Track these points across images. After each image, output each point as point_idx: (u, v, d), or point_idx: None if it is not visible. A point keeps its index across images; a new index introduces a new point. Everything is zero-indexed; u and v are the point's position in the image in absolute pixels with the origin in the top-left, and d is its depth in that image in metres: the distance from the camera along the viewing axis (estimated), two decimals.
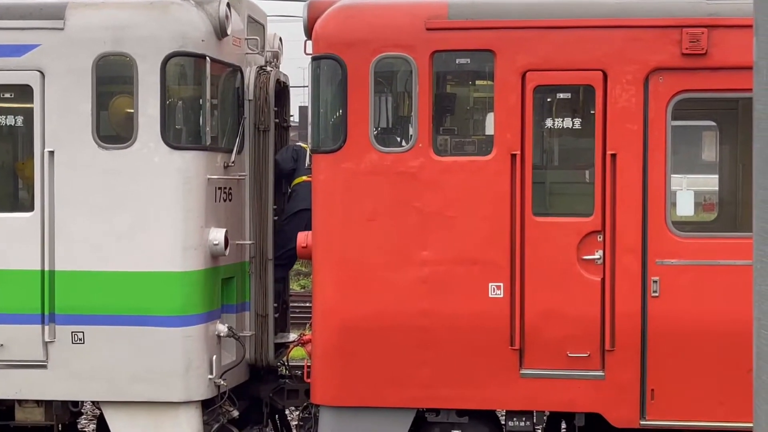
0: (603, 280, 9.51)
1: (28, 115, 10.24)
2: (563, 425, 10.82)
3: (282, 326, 11.91)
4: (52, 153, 10.11)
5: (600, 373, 9.54)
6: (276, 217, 11.32)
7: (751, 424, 3.72)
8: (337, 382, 9.86)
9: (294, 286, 22.36)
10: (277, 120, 11.34)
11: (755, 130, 3.48)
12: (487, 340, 9.59)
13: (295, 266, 13.75)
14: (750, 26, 3.65)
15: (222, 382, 10.31)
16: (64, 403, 10.46)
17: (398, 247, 9.67)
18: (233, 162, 10.65)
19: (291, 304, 12.75)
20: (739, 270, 9.17)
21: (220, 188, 10.47)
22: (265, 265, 11.05)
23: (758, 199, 3.47)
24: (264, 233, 11.02)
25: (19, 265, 10.15)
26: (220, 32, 10.32)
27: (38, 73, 10.12)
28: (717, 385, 9.38)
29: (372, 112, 9.70)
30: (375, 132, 9.76)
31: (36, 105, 10.15)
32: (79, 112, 10.06)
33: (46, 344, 10.12)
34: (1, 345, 10.15)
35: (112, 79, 10.31)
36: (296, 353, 11.78)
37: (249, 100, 11.01)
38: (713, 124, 12.73)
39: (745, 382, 8.97)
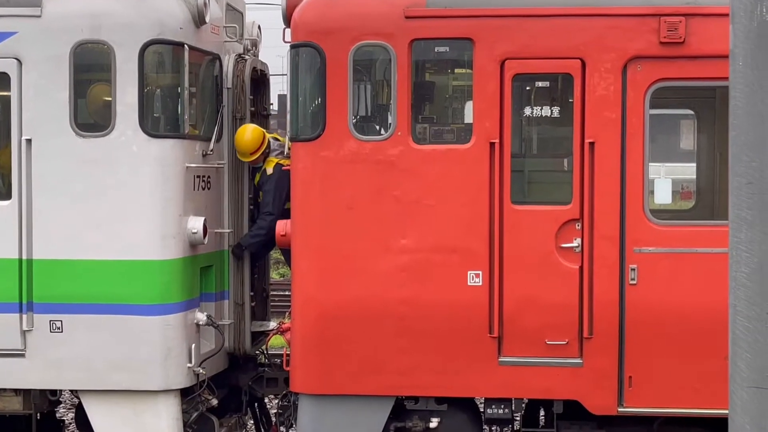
0: (581, 268, 9.54)
1: (5, 103, 10.18)
2: (542, 412, 10.86)
3: (262, 315, 11.90)
4: (29, 141, 10.05)
5: (578, 360, 9.58)
6: (251, 206, 11.29)
7: (727, 411, 3.74)
8: (316, 371, 9.86)
9: (273, 275, 22.36)
10: (253, 108, 11.31)
11: (731, 117, 3.50)
12: (466, 328, 9.61)
13: (273, 255, 13.70)
14: (727, 15, 3.67)
15: (201, 371, 10.29)
16: (43, 392, 10.45)
17: (377, 236, 9.68)
18: (212, 150, 10.61)
19: (270, 293, 12.72)
20: (717, 258, 9.22)
21: (198, 177, 10.44)
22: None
23: (734, 186, 3.50)
24: (241, 221, 11.01)
25: None
26: (199, 20, 10.28)
27: (15, 60, 10.06)
28: (694, 372, 9.43)
29: (351, 100, 9.69)
30: (354, 120, 9.75)
31: (13, 93, 10.09)
32: (57, 100, 10.01)
33: (24, 333, 10.08)
34: None
35: (90, 66, 10.27)
36: (275, 341, 11.78)
37: (228, 89, 10.98)
38: (691, 112, 12.78)
39: (722, 369, 9.01)
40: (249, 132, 10.85)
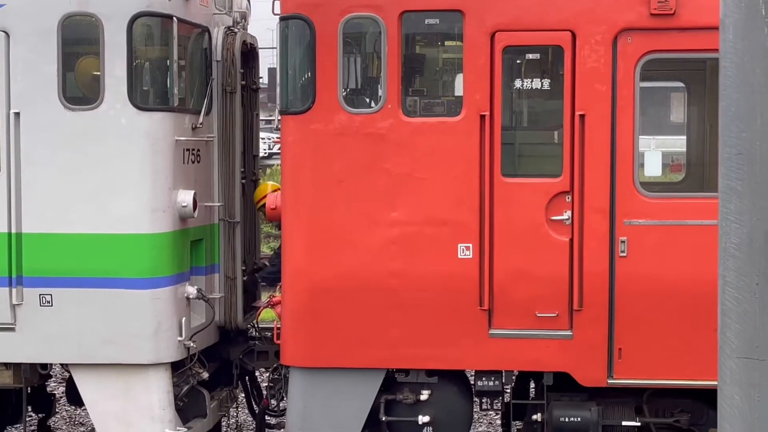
0: (571, 240, 9.55)
1: None
2: (532, 385, 10.90)
3: (252, 288, 11.88)
4: (18, 114, 10.01)
5: (568, 332, 9.60)
6: (243, 180, 11.26)
7: (717, 382, 3.75)
8: (306, 343, 9.88)
9: (264, 249, 22.35)
10: (243, 82, 11.26)
11: (721, 87, 3.49)
12: (457, 300, 9.63)
13: (264, 229, 13.69)
14: None
15: (191, 344, 10.29)
16: (33, 365, 10.44)
17: (367, 209, 9.67)
18: (201, 123, 10.58)
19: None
20: (707, 230, 9.23)
21: (188, 150, 10.41)
22: (232, 227, 11.02)
23: (724, 157, 3.49)
24: (232, 195, 10.98)
25: None
26: None
27: (3, 33, 10.00)
28: (684, 343, 9.46)
29: (341, 73, 9.65)
30: (344, 93, 9.73)
31: (1, 66, 10.02)
32: (45, 73, 9.96)
33: (14, 307, 10.06)
34: None
35: (78, 39, 10.20)
36: (266, 315, 11.78)
37: (217, 61, 10.93)
38: (681, 85, 12.76)
39: (711, 341, 9.04)
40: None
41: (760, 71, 3.34)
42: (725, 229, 3.51)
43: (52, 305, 10.01)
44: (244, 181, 11.36)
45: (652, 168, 10.58)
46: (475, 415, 12.77)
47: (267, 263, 11.85)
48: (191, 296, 10.38)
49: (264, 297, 11.98)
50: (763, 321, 3.45)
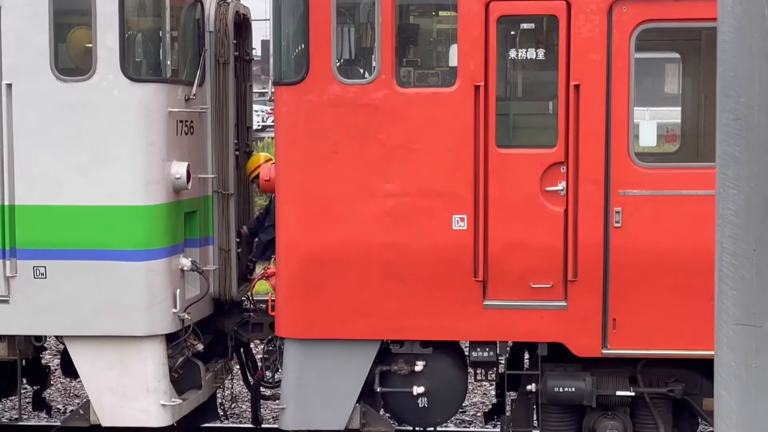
0: (566, 211, 9.54)
1: None
2: (526, 355, 10.91)
3: (247, 260, 11.86)
4: (9, 86, 9.95)
5: (563, 303, 9.61)
6: (237, 152, 11.21)
7: (712, 352, 3.75)
8: (301, 315, 9.87)
9: None
10: (236, 53, 11.20)
11: (719, 53, 3.47)
12: (451, 271, 9.62)
13: (258, 201, 13.66)
14: None
15: (186, 316, 10.29)
16: (27, 338, 10.44)
17: (362, 180, 9.65)
18: (194, 95, 10.53)
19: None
20: (701, 200, 9.23)
21: (181, 121, 10.36)
22: (226, 199, 10.99)
23: (721, 123, 3.47)
24: (225, 167, 10.95)
25: None
26: None
27: None
28: (678, 314, 9.47)
29: (334, 43, 9.60)
30: (338, 63, 9.68)
31: None
32: (37, 44, 9.90)
33: (7, 279, 10.04)
34: None
35: (70, 10, 10.14)
36: (261, 287, 11.77)
37: (210, 32, 10.87)
38: (677, 56, 12.72)
39: (705, 311, 9.08)
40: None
41: (758, 36, 3.32)
42: (723, 195, 3.49)
43: (46, 277, 9.99)
44: (237, 152, 11.33)
45: (647, 138, 10.57)
46: (470, 386, 12.80)
47: (246, 229, 11.68)
48: (185, 268, 10.37)
49: (258, 269, 11.97)
50: (760, 287, 3.44)
